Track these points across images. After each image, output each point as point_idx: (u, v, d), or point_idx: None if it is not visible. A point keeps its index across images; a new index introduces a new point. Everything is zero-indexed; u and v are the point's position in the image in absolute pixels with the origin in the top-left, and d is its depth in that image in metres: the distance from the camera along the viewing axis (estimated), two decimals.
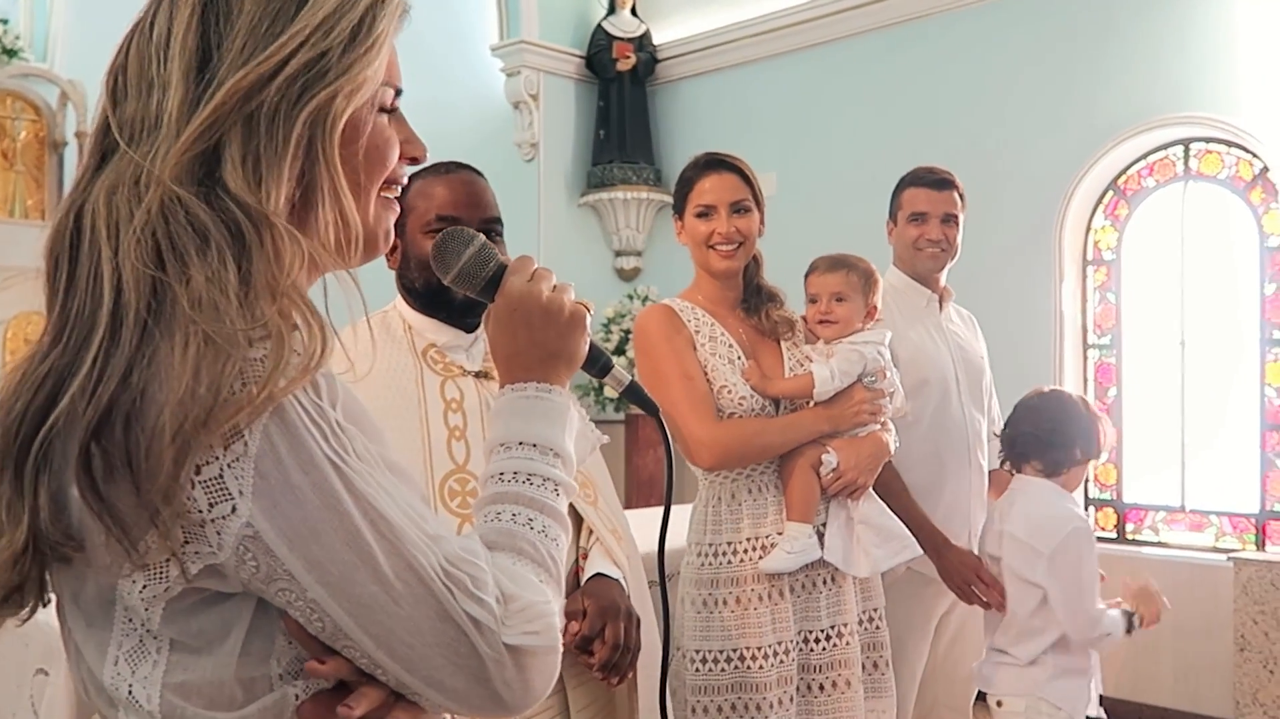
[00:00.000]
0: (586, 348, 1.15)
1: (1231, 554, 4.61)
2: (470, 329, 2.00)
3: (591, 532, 1.99)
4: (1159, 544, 5.18)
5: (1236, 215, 5.05)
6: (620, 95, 6.94)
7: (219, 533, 0.85)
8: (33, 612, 0.96)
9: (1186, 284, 5.18)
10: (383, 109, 1.01)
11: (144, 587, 0.87)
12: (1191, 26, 4.93)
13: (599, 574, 1.93)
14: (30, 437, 0.88)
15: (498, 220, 2.04)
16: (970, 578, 2.88)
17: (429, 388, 1.96)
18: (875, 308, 2.61)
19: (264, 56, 0.91)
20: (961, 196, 3.12)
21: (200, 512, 0.84)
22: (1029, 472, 2.86)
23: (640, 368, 2.58)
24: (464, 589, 0.89)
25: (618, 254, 7.12)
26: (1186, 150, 5.17)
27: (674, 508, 2.61)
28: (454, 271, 1.17)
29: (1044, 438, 2.83)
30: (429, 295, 1.96)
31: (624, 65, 6.89)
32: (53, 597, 0.96)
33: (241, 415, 0.83)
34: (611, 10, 7.03)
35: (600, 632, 1.82)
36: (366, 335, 2.03)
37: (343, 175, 0.96)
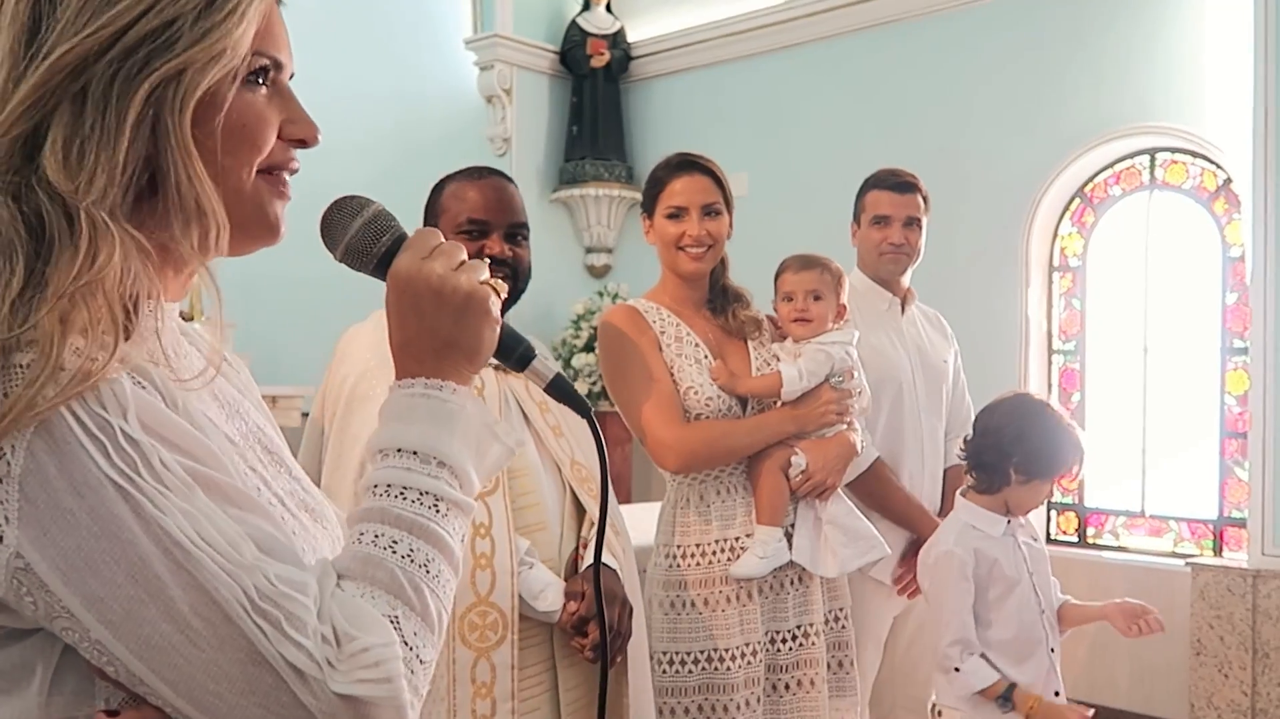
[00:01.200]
0: (494, 336, 0.97)
1: (1189, 559, 4.67)
2: None
3: (593, 523, 2.05)
4: (1119, 549, 5.24)
5: (1200, 225, 5.11)
6: (594, 92, 6.93)
7: None
8: None
9: (1150, 292, 5.24)
10: (255, 81, 0.89)
11: None
12: (1159, 37, 4.99)
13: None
14: None
15: (524, 225, 2.11)
16: None
17: None
18: (844, 307, 2.62)
19: (99, 25, 0.80)
20: (925, 199, 3.13)
21: None
22: (966, 484, 2.69)
23: (605, 368, 2.57)
24: (278, 628, 0.76)
25: (588, 251, 7.12)
26: (1152, 160, 5.23)
27: (642, 506, 2.62)
28: (341, 246, 0.99)
29: (978, 450, 2.63)
30: None
31: (598, 62, 6.88)
32: None
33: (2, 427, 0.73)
34: (586, 6, 7.02)
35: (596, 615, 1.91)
36: (363, 345, 2.06)
37: (197, 158, 0.84)
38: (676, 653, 2.39)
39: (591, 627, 1.93)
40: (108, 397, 0.77)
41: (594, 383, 6.40)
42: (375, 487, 0.89)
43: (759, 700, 2.40)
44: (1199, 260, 5.11)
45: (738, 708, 2.36)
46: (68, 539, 0.74)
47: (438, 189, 2.14)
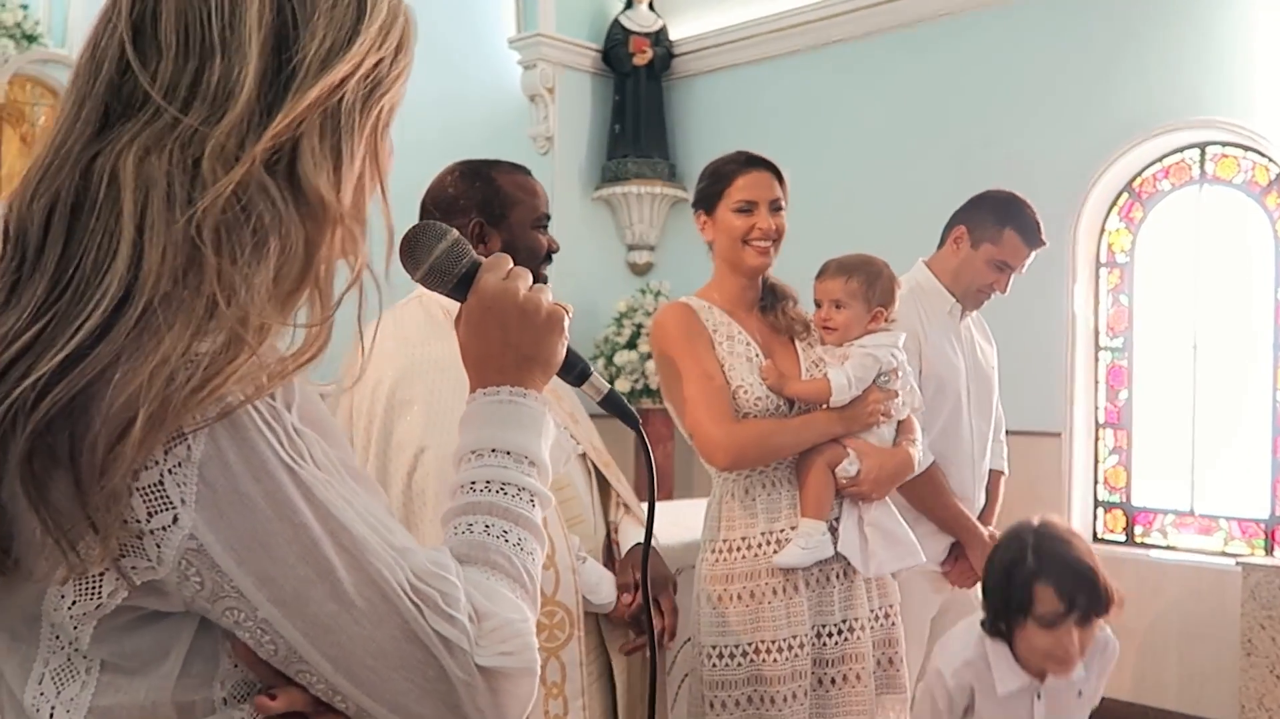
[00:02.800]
0: (564, 352, 1.08)
1: (1240, 559, 4.61)
2: None
3: (620, 504, 2.08)
4: (1168, 548, 5.18)
5: (1252, 220, 5.04)
6: (636, 90, 6.94)
7: (159, 545, 0.77)
8: None
9: (1200, 288, 5.17)
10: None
11: (73, 603, 0.80)
12: (1209, 31, 4.92)
13: (638, 544, 2.03)
14: None
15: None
16: None
17: None
18: (880, 312, 2.57)
19: (349, 54, 0.88)
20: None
21: (138, 522, 0.76)
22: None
23: (658, 366, 2.58)
24: (434, 606, 0.83)
25: (630, 248, 7.13)
26: (1203, 154, 5.16)
27: (686, 502, 2.64)
28: (424, 268, 1.09)
29: (987, 586, 2.39)
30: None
31: (640, 60, 6.89)
32: None
33: (190, 419, 0.76)
34: (629, 5, 7.03)
35: (655, 602, 1.96)
36: (411, 326, 2.10)
37: (382, 181, 0.96)
38: (725, 646, 2.40)
39: (654, 612, 1.99)
40: (281, 391, 0.82)
41: (636, 380, 6.41)
42: (474, 483, 0.97)
43: (805, 693, 2.40)
44: (1251, 255, 5.04)
45: (784, 700, 2.36)
46: (244, 522, 0.78)
47: (487, 178, 2.16)
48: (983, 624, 2.38)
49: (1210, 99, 4.92)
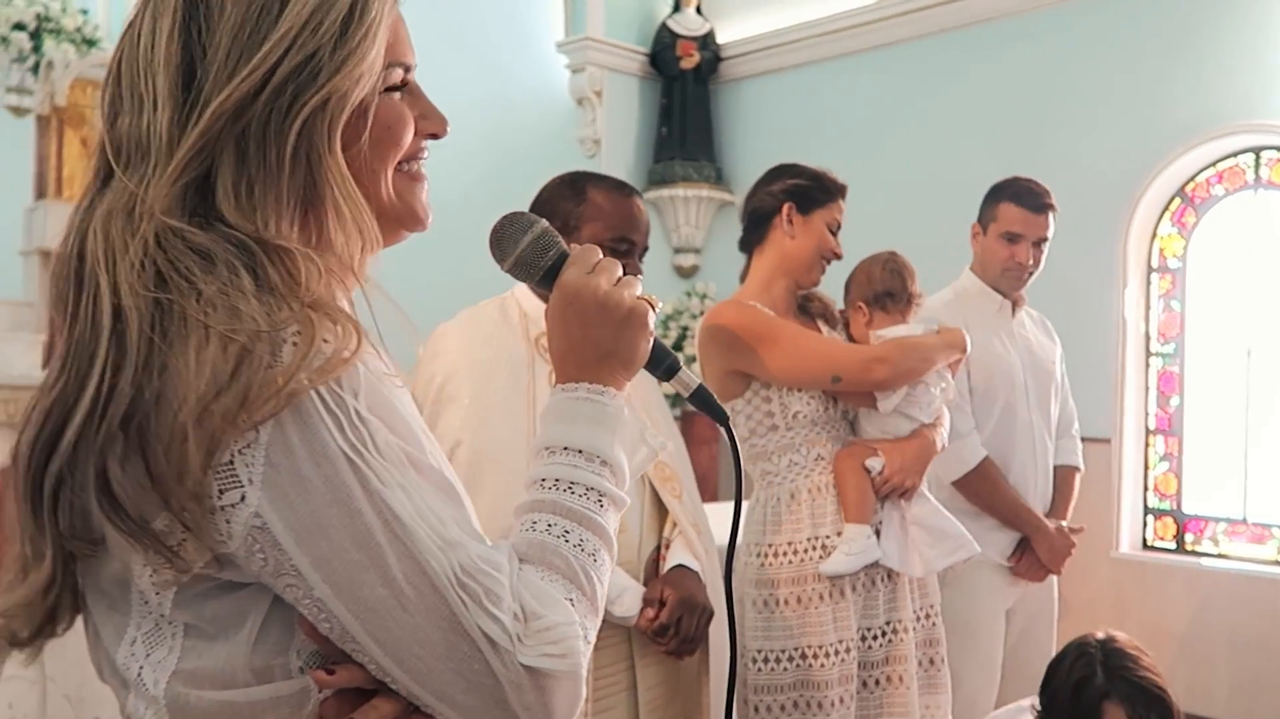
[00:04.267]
0: (648, 348, 1.05)
1: None
2: None
3: (675, 524, 2.08)
4: (1219, 556, 5.11)
5: None
6: (683, 93, 6.96)
7: (228, 522, 0.81)
8: (70, 624, 0.95)
9: (1254, 293, 5.10)
10: (392, 88, 0.95)
11: (153, 572, 0.85)
12: (1265, 34, 4.85)
13: (680, 565, 2.02)
14: (41, 468, 0.86)
15: (647, 249, 2.17)
16: (1066, 556, 3.06)
17: (539, 375, 2.05)
18: (861, 308, 2.63)
19: (249, 69, 0.86)
20: (1055, 214, 3.11)
21: (211, 497, 0.80)
22: None
23: (742, 353, 2.49)
24: (477, 602, 0.84)
25: (677, 251, 7.15)
26: (1257, 158, 5.09)
27: (726, 505, 2.62)
28: (512, 258, 1.08)
29: (1050, 701, 2.26)
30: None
31: (688, 63, 6.91)
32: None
33: (267, 410, 0.79)
34: (676, 8, 7.06)
35: (676, 622, 1.94)
36: (483, 323, 2.12)
37: (348, 175, 0.90)
38: (771, 650, 2.41)
39: (670, 633, 1.96)
40: (346, 377, 0.84)
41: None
42: (544, 480, 0.96)
43: (853, 697, 2.41)
44: None
45: (832, 705, 2.37)
46: (304, 504, 0.81)
47: (579, 190, 2.13)
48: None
49: (1265, 103, 4.86)
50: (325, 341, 0.83)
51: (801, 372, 2.44)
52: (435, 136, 1.01)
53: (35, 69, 6.33)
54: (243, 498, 0.81)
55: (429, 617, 0.83)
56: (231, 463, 0.80)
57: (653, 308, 1.05)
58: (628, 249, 2.09)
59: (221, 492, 0.80)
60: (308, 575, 0.82)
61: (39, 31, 6.40)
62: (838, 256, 2.55)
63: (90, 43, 6.50)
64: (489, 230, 1.11)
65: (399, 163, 0.97)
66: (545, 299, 2.00)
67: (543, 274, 1.07)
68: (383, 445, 0.84)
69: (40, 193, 5.67)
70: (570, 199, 2.10)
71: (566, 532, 0.93)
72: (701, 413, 1.16)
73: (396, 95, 0.96)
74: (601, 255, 1.06)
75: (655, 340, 1.07)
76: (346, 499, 0.81)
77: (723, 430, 1.17)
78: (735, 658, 1.21)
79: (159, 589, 0.86)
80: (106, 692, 2.92)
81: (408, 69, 0.97)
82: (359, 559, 0.81)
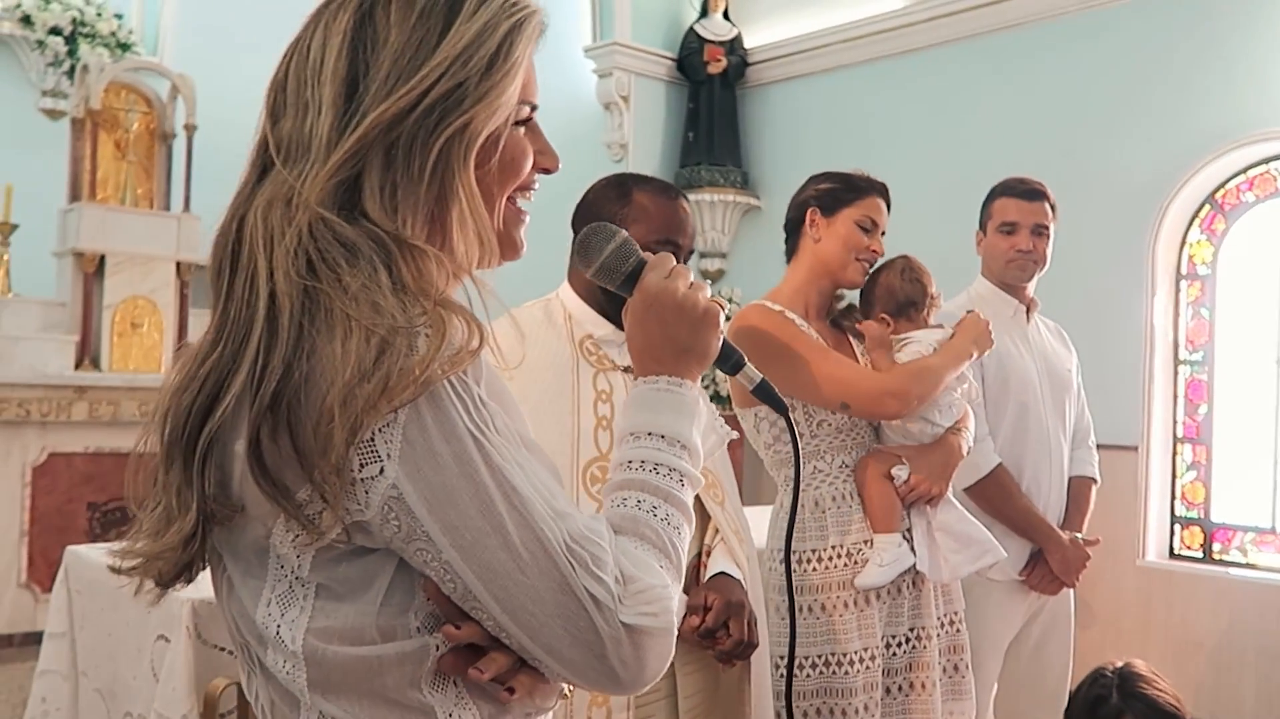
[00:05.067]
0: (719, 345, 1.18)
1: None
2: None
3: (717, 530, 2.08)
4: (1247, 565, 5.08)
5: None
6: (710, 98, 6.98)
7: (367, 492, 0.91)
8: (191, 581, 1.05)
9: None
10: (520, 123, 1.07)
11: (296, 536, 0.95)
12: None
13: (722, 572, 2.02)
14: (197, 430, 0.96)
15: (692, 252, 2.19)
16: (1081, 568, 3.03)
17: (583, 377, 2.06)
18: (884, 317, 2.62)
19: (405, 89, 0.97)
20: (1053, 207, 3.11)
21: (352, 470, 0.90)
22: None
23: (766, 364, 2.52)
24: (585, 566, 0.94)
25: (702, 255, 7.17)
26: None
27: (751, 509, 2.60)
28: (596, 265, 1.22)
29: None
30: (600, 289, 1.95)
31: (715, 68, 6.93)
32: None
33: (405, 396, 0.89)
34: (704, 13, 7.08)
35: (724, 626, 1.94)
36: (528, 323, 2.14)
37: (477, 192, 1.01)
38: (795, 657, 2.41)
39: (721, 635, 1.94)
40: (471, 367, 0.95)
41: (706, 386, 6.45)
42: (631, 462, 1.07)
43: (877, 705, 2.40)
44: None
45: (856, 712, 2.36)
46: (436, 477, 0.91)
47: (625, 192, 2.13)
48: None
49: None
50: (455, 336, 0.93)
51: (811, 395, 2.44)
52: (548, 171, 1.12)
53: (70, 73, 6.42)
54: (381, 470, 0.91)
55: (543, 578, 0.93)
56: (372, 439, 0.90)
57: (722, 308, 1.17)
58: (674, 251, 2.08)
59: (362, 465, 0.90)
60: (437, 540, 0.92)
61: (74, 36, 6.49)
62: (874, 254, 2.54)
63: (124, 47, 6.59)
64: (574, 239, 1.25)
65: (512, 193, 1.09)
66: (602, 304, 2.03)
67: (623, 279, 1.21)
68: (501, 427, 0.96)
69: (74, 195, 5.75)
70: (615, 201, 2.10)
71: (654, 507, 1.04)
72: (764, 404, 1.29)
73: (522, 130, 1.07)
74: (675, 262, 1.19)
75: (724, 339, 1.20)
76: (473, 473, 0.92)
77: (782, 420, 1.30)
78: (792, 664, 1.23)
79: (299, 551, 0.96)
80: (137, 687, 2.95)
81: (534, 108, 1.09)
82: (483, 526, 0.92)
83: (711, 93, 6.98)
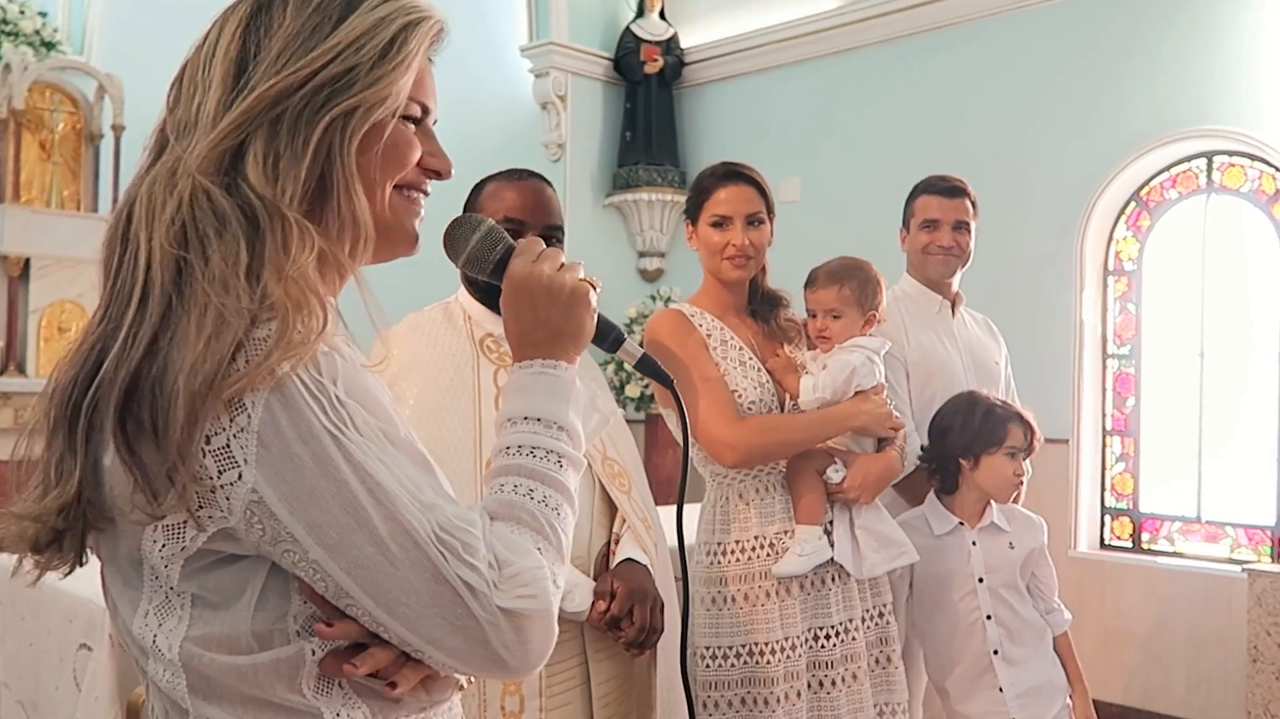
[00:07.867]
0: (594, 324, 1.18)
1: (1246, 565, 4.62)
2: None
3: (624, 519, 2.09)
4: (1174, 554, 5.19)
5: (1257, 229, 5.06)
6: (647, 98, 7.00)
7: (228, 498, 0.91)
8: (71, 569, 1.04)
9: (1207, 296, 5.19)
10: (409, 119, 1.08)
11: (163, 545, 0.95)
12: (1217, 40, 4.95)
13: (629, 559, 2.03)
14: (80, 400, 0.97)
15: (559, 228, 2.17)
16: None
17: (483, 374, 2.08)
18: (873, 317, 2.61)
19: (295, 68, 0.99)
20: (974, 204, 3.16)
21: (211, 478, 0.91)
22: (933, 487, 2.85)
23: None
24: (456, 554, 0.94)
25: (641, 255, 7.18)
26: (1209, 163, 5.19)
27: (695, 507, 2.61)
28: (463, 256, 1.20)
29: (931, 456, 2.83)
30: (489, 288, 2.03)
31: (651, 68, 6.95)
32: (92, 558, 1.05)
33: (243, 383, 0.89)
34: (640, 13, 7.09)
35: (629, 613, 1.95)
36: (428, 325, 2.13)
37: (357, 177, 1.02)
38: (719, 647, 2.43)
39: (625, 623, 1.95)
40: (324, 365, 0.95)
41: (645, 386, 6.46)
42: (509, 448, 1.08)
43: (799, 694, 2.43)
44: (1256, 264, 5.06)
45: (778, 700, 2.39)
46: (295, 478, 0.92)
47: (478, 189, 2.20)
48: (924, 460, 2.82)
49: (1218, 109, 4.95)
50: (301, 324, 0.93)
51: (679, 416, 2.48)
52: (438, 175, 1.13)
53: None
54: (240, 476, 0.91)
55: (414, 569, 0.93)
56: (228, 447, 0.91)
57: (593, 287, 1.17)
58: (515, 231, 2.03)
59: (220, 472, 0.91)
60: (303, 540, 0.92)
61: None
62: (735, 247, 2.51)
63: (49, 45, 6.43)
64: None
65: (399, 185, 1.08)
66: (487, 299, 2.02)
67: (493, 267, 1.20)
68: (361, 425, 0.95)
69: None
70: (473, 195, 2.17)
71: (531, 490, 1.04)
72: (651, 379, 1.27)
73: (411, 127, 1.08)
74: (544, 246, 1.19)
75: (600, 316, 1.19)
76: (333, 471, 0.92)
77: (671, 393, 1.29)
78: (685, 641, 1.22)
79: (167, 562, 0.96)
80: (59, 697, 2.89)
81: (426, 111, 1.10)
82: (348, 522, 0.92)
83: (648, 92, 7.00)
